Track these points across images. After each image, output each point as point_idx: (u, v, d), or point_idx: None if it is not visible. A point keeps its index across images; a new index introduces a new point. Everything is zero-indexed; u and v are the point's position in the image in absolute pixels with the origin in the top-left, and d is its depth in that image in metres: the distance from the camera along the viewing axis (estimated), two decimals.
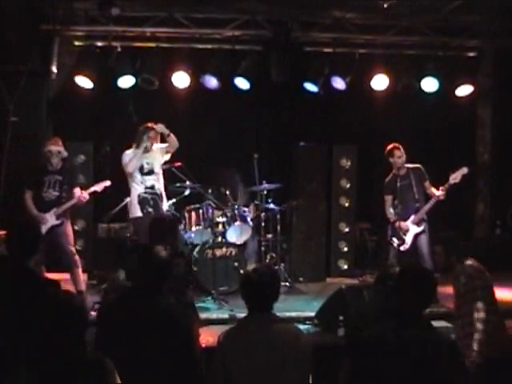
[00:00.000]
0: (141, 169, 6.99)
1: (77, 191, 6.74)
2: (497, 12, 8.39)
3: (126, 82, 8.33)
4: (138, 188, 6.96)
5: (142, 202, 6.89)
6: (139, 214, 6.91)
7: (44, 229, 6.36)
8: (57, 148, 6.72)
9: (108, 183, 6.95)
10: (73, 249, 6.71)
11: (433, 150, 9.07)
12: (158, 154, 7.11)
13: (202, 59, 8.49)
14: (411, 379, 3.05)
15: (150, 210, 6.89)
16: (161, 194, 7.07)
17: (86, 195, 6.71)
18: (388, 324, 3.17)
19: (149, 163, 7.03)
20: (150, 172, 7.02)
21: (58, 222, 6.60)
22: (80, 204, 6.84)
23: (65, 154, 6.84)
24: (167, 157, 7.20)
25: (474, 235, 9.75)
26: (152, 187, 6.99)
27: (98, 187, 6.89)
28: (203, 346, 4.31)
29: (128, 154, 7.02)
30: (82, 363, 2.56)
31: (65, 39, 8.33)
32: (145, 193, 6.93)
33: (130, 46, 8.45)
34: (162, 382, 3.22)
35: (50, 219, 6.56)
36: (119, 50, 8.29)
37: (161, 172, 7.14)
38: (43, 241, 6.17)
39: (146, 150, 6.95)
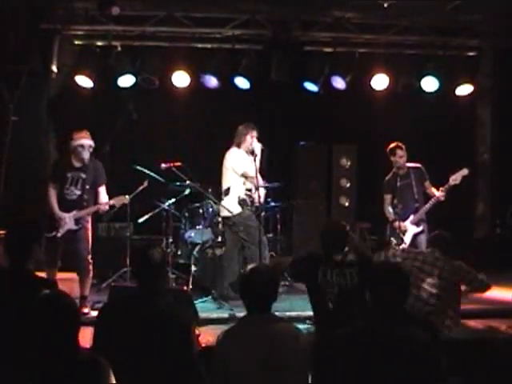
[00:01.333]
0: None
1: (101, 190, 6.37)
2: (497, 12, 8.39)
3: (126, 81, 8.33)
4: (237, 189, 6.97)
5: (242, 203, 6.91)
6: (240, 210, 6.92)
7: (61, 231, 6.11)
8: (89, 142, 6.22)
9: (127, 201, 6.62)
10: (89, 257, 6.27)
11: (433, 149, 9.06)
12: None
13: (202, 58, 8.48)
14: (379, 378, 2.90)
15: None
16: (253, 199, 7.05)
17: (105, 207, 6.39)
18: (359, 322, 3.10)
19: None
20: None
21: (76, 227, 6.18)
22: (100, 213, 6.53)
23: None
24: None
25: (474, 235, 9.75)
26: (250, 190, 7.05)
27: (117, 203, 6.49)
28: (203, 345, 4.31)
29: (235, 153, 7.01)
30: (74, 363, 2.55)
31: (65, 39, 8.33)
32: (245, 194, 6.95)
33: (130, 45, 8.44)
34: (162, 382, 3.22)
35: (69, 222, 6.15)
36: (119, 49, 8.29)
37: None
38: (60, 242, 6.13)
39: (251, 152, 6.85)
